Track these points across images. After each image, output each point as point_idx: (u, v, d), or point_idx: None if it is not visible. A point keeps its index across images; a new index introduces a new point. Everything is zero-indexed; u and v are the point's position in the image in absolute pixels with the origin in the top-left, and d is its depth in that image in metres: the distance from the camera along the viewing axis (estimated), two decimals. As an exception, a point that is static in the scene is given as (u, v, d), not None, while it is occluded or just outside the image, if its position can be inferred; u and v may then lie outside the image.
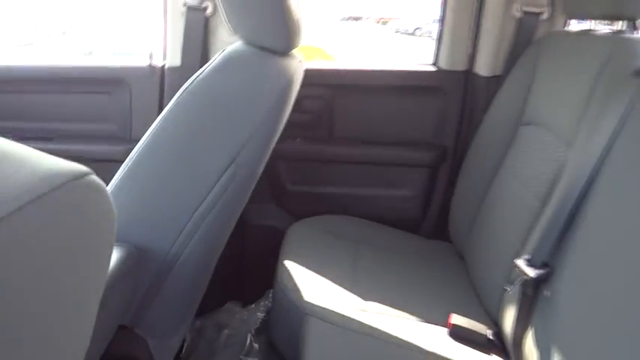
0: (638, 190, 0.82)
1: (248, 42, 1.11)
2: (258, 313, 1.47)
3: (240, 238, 1.72)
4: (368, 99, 1.72)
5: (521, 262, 0.99)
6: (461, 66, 1.64)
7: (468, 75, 1.64)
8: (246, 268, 1.75)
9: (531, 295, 0.98)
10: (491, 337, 1.13)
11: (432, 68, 1.69)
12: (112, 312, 0.99)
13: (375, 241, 1.56)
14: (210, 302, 1.53)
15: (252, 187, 1.16)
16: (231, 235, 1.19)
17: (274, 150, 1.25)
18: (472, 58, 1.62)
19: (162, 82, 1.60)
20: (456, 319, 1.13)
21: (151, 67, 1.60)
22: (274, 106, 1.06)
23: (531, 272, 0.95)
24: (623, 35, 1.16)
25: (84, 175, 0.40)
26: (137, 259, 1.00)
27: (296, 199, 1.75)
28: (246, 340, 1.38)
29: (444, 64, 1.65)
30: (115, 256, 0.95)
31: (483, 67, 1.59)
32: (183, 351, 1.48)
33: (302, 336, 1.10)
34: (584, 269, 0.89)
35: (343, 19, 17.87)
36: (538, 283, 0.97)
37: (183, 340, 1.46)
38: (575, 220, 0.93)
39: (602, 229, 0.87)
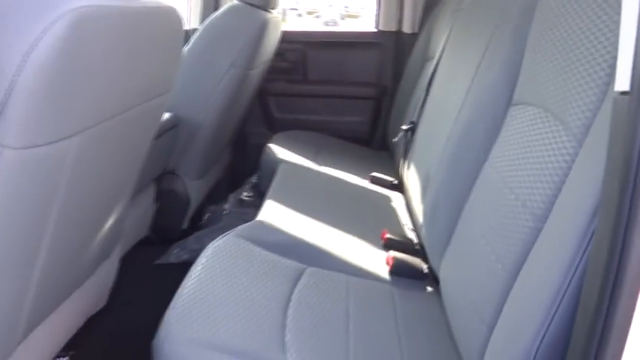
0: None
1: (241, 1, 1.86)
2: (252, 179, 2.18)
3: (242, 152, 2.47)
4: (331, 51, 2.46)
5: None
6: (393, 27, 2.38)
7: (398, 33, 2.38)
8: (247, 168, 2.48)
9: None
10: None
11: (375, 29, 2.44)
12: (158, 157, 1.71)
13: (333, 147, 2.28)
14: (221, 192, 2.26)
15: (246, 86, 1.89)
16: (237, 148, 1.92)
17: (265, 88, 2.01)
18: (400, 21, 2.36)
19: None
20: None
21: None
22: (255, 33, 1.79)
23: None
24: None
25: (174, 9, 1.12)
26: (177, 122, 1.74)
27: (281, 124, 2.49)
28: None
29: (381, 26, 2.39)
30: (164, 116, 1.68)
31: (406, 26, 2.33)
32: (204, 218, 2.20)
33: (275, 177, 1.82)
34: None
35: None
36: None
37: (204, 210, 2.18)
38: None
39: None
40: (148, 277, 1.73)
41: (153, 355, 0.89)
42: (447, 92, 1.47)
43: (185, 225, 1.95)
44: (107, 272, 1.37)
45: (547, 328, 0.64)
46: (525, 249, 0.77)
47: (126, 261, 1.53)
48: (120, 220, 1.30)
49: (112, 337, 1.48)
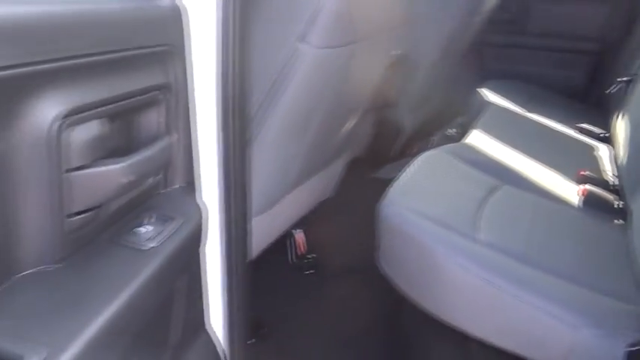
0: None
1: None
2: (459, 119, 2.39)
3: (452, 94, 2.66)
4: (556, 5, 2.45)
5: None
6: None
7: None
8: (455, 110, 2.67)
9: None
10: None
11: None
12: (382, 87, 2.01)
13: (544, 98, 2.32)
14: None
15: (467, 33, 2.07)
16: (448, 90, 2.15)
17: (483, 38, 2.18)
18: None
19: None
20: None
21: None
22: None
23: None
24: None
25: None
26: (402, 58, 2.01)
27: (494, 73, 2.59)
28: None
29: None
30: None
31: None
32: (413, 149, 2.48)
33: (482, 116, 1.99)
34: None
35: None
36: None
37: (413, 142, 2.46)
38: None
39: None
40: (362, 186, 2.09)
41: (376, 216, 1.21)
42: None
43: (395, 152, 2.26)
44: (336, 169, 1.75)
45: None
46: None
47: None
48: (349, 132, 1.65)
49: (336, 219, 1.88)
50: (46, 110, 0.48)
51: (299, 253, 1.80)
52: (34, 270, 0.52)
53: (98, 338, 0.48)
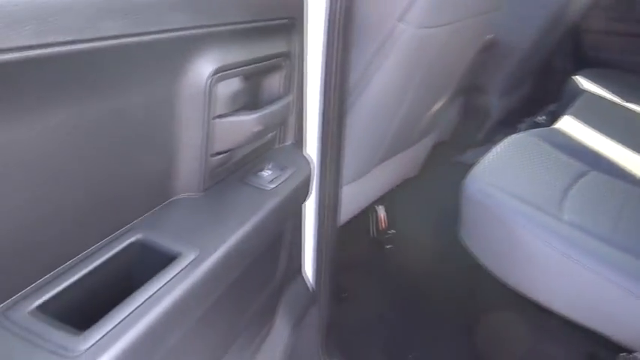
0: None
1: None
2: (550, 107, 2.35)
3: (544, 81, 2.61)
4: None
5: None
6: None
7: None
8: (547, 97, 2.61)
9: None
10: None
11: None
12: (471, 72, 2.03)
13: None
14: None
15: (563, 19, 2.03)
16: (539, 77, 2.12)
17: (581, 24, 2.13)
18: None
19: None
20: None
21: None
22: None
23: None
24: None
25: None
26: (495, 43, 2.02)
27: (591, 60, 2.51)
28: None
29: None
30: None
31: None
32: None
33: (574, 104, 1.96)
34: None
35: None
36: None
37: (500, 129, 2.45)
38: None
39: None
40: (445, 169, 2.13)
41: (460, 192, 1.27)
42: None
43: (481, 137, 2.27)
44: (421, 150, 1.81)
45: None
46: None
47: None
48: (437, 113, 1.70)
49: (418, 198, 1.95)
50: (204, 67, 0.60)
51: (380, 228, 1.88)
52: (185, 195, 0.65)
53: (234, 249, 0.60)
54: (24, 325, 0.43)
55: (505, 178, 1.24)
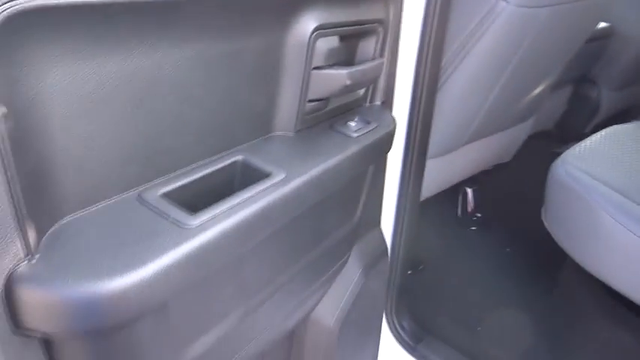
0: None
1: None
2: None
3: None
4: None
5: None
6: None
7: None
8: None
9: None
10: None
11: None
12: (583, 62, 1.95)
13: None
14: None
15: None
16: None
17: None
18: None
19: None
20: None
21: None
22: None
23: None
24: None
25: None
26: (610, 33, 1.93)
27: None
28: None
29: None
30: (600, 24, 1.89)
31: None
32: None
33: None
34: None
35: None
36: None
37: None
38: None
39: None
40: (542, 159, 2.09)
41: (549, 175, 1.28)
42: None
43: (588, 130, 2.18)
44: (516, 135, 1.81)
45: None
46: None
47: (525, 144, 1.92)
48: (537, 99, 1.68)
49: (509, 184, 1.95)
50: (308, 24, 0.71)
51: (468, 209, 1.91)
52: (281, 133, 0.77)
53: (316, 178, 0.71)
54: (154, 204, 0.58)
55: (596, 164, 1.23)
